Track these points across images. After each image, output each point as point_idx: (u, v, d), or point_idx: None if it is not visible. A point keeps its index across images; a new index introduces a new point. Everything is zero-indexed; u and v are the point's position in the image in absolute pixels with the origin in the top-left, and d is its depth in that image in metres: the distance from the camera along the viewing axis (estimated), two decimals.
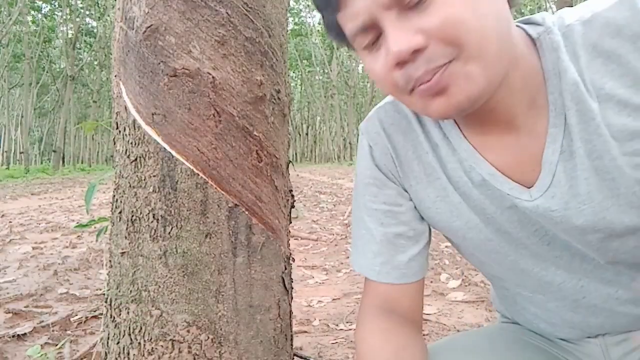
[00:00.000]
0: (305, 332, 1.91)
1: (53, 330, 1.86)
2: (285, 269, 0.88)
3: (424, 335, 1.86)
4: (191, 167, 0.76)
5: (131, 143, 0.80)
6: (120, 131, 0.83)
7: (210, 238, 0.77)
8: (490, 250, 0.63)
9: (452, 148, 0.61)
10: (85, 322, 1.96)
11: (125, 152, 0.81)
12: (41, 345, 1.68)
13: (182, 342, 0.76)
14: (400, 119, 0.65)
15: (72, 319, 1.96)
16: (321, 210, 5.77)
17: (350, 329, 1.93)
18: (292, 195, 0.93)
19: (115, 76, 0.83)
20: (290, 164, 0.95)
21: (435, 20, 0.45)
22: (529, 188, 0.56)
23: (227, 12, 0.77)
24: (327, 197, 7.35)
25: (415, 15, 0.46)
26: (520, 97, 0.53)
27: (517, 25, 0.56)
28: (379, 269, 0.65)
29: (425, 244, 0.67)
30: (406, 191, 0.66)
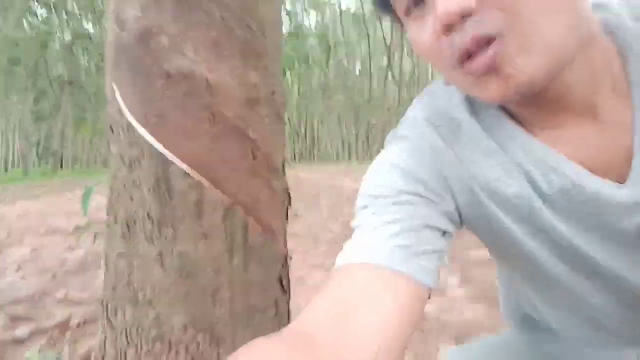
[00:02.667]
0: None
1: (51, 334, 1.85)
2: (283, 269, 0.88)
3: (422, 332, 1.86)
4: (187, 168, 0.76)
5: (125, 145, 0.80)
6: (114, 133, 0.83)
7: (206, 239, 0.77)
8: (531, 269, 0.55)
9: (505, 160, 0.50)
10: (83, 325, 1.96)
11: (120, 155, 0.81)
12: (39, 349, 1.68)
13: (179, 344, 0.76)
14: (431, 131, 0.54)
15: (70, 323, 1.96)
16: (320, 211, 5.77)
17: None
18: (289, 195, 0.93)
19: (109, 78, 0.83)
20: (288, 164, 0.95)
21: None
22: (621, 185, 0.46)
23: (221, 14, 0.77)
24: (325, 197, 7.35)
25: None
26: (602, 81, 0.46)
27: None
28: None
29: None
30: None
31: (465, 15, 0.40)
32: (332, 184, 10.14)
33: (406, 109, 0.59)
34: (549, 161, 0.48)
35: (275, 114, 0.87)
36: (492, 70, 0.42)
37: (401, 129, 0.56)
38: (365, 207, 0.50)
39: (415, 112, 0.56)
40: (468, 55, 0.42)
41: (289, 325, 0.44)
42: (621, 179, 0.46)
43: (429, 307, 2.11)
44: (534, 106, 0.48)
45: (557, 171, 0.47)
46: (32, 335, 1.84)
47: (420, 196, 0.50)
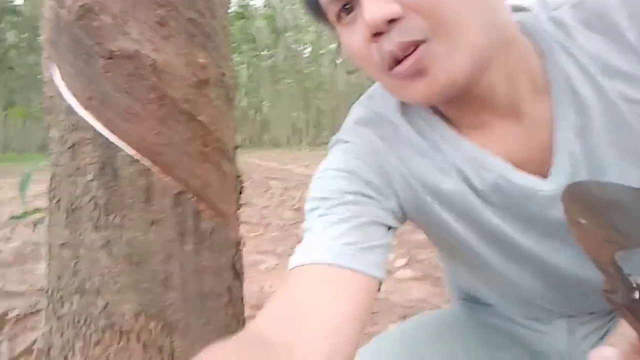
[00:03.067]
0: None
1: None
2: (236, 254, 0.88)
3: (373, 313, 1.92)
4: (134, 153, 0.73)
5: (67, 129, 0.76)
6: (54, 117, 0.79)
7: (156, 226, 0.76)
8: (471, 259, 0.59)
9: (440, 160, 0.53)
10: (23, 318, 1.86)
11: (61, 139, 0.77)
12: None
13: (130, 332, 0.75)
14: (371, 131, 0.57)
15: (8, 316, 1.85)
16: (271, 196, 5.76)
17: None
18: (241, 181, 0.93)
19: (47, 58, 0.78)
20: (238, 149, 0.94)
21: None
22: (545, 178, 0.50)
23: None
24: (276, 183, 7.33)
25: None
26: (522, 80, 0.49)
27: None
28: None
29: None
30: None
31: (391, 22, 0.43)
32: (282, 170, 10.11)
33: (356, 95, 0.59)
34: (478, 159, 0.51)
35: (226, 97, 0.86)
36: (419, 73, 0.44)
37: (342, 134, 0.58)
38: (313, 209, 0.52)
39: (355, 116, 0.58)
40: (396, 60, 0.45)
41: (244, 329, 0.45)
42: (545, 173, 0.51)
43: None
44: (460, 107, 0.51)
45: (486, 168, 0.51)
46: None
47: (365, 195, 0.52)
